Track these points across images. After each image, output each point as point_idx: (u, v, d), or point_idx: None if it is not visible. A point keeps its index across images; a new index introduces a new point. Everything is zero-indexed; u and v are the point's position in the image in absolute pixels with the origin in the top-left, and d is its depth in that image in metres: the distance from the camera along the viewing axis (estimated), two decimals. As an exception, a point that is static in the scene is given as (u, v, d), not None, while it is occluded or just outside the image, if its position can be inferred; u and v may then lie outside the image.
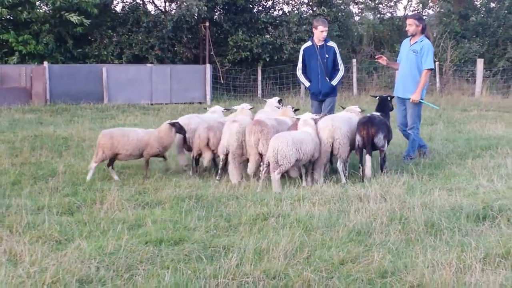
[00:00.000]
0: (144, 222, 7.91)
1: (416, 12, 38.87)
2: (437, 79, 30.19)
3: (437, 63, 30.55)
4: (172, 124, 11.16)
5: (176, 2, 30.26)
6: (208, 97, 26.86)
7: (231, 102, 25.13)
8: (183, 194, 9.37)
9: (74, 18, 26.18)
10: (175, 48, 29.92)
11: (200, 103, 26.22)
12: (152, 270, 6.30)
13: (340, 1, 34.01)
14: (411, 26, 13.00)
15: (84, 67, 26.55)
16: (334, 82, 13.06)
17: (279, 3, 33.35)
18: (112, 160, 10.98)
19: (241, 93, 28.73)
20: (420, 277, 6.05)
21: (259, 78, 29.35)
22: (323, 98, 13.16)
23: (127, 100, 24.96)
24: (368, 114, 11.32)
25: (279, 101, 12.89)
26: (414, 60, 12.87)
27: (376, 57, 13.82)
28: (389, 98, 12.18)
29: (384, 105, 12.03)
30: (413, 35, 13.08)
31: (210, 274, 6.10)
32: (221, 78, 29.10)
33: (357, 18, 39.60)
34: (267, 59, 29.55)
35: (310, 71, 13.19)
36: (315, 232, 7.47)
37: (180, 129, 11.19)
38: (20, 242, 6.91)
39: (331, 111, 12.89)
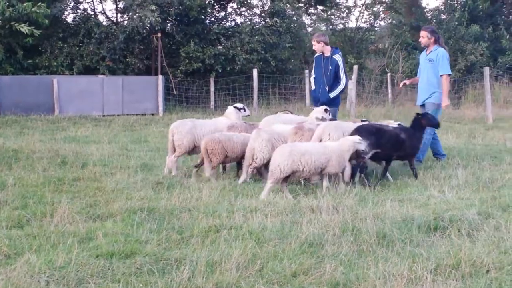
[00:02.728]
0: (95, 235, 7.80)
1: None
2: (389, 90, 30.43)
3: (389, 74, 30.83)
4: None
5: (128, 13, 30.15)
6: (161, 108, 26.76)
7: (183, 113, 25.12)
8: (135, 206, 9.26)
9: (24, 28, 25.81)
10: (127, 59, 29.76)
11: (153, 114, 26.14)
12: (103, 283, 6.23)
13: (293, 12, 34.13)
14: (423, 38, 13.92)
15: (34, 78, 26.29)
16: (332, 94, 13.96)
17: (231, 14, 33.40)
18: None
19: (194, 104, 28.70)
20: (372, 288, 6.08)
21: (212, 89, 29.32)
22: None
23: (79, 112, 24.71)
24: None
25: (325, 110, 13.09)
26: (430, 68, 13.76)
27: (400, 86, 14.79)
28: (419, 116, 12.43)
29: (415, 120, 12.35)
30: (426, 46, 13.95)
31: (162, 287, 6.05)
32: (174, 89, 29.01)
33: (309, 29, 39.79)
34: (220, 70, 29.54)
35: (315, 79, 14.26)
36: (267, 244, 7.43)
37: None
38: (-32, 257, 6.80)
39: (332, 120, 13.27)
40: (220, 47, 30.94)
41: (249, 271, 6.56)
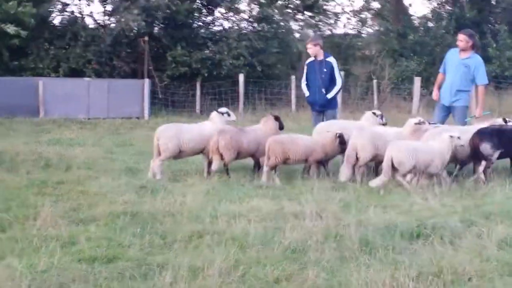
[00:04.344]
0: (78, 239, 7.78)
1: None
2: (375, 97, 30.44)
3: (375, 81, 30.87)
4: (338, 136, 12.18)
5: (115, 17, 30.02)
6: (146, 112, 26.63)
7: (169, 117, 25.02)
8: (118, 210, 9.24)
9: (10, 29, 25.68)
10: (113, 63, 29.60)
11: (138, 118, 26.02)
12: (84, 288, 6.23)
13: (281, 18, 34.08)
14: (461, 42, 13.98)
15: (20, 80, 26.09)
16: (329, 95, 14.29)
17: (219, 19, 33.32)
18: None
19: (180, 108, 28.55)
20: (353, 295, 6.08)
21: (198, 93, 29.22)
22: (320, 109, 14.42)
23: (64, 114, 24.48)
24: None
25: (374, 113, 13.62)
26: (464, 73, 13.86)
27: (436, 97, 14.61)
28: None
29: None
30: (463, 50, 13.94)
31: (144, 293, 6.05)
32: (160, 93, 28.91)
33: (297, 35, 39.74)
34: (206, 75, 29.42)
35: (310, 84, 14.49)
36: (250, 249, 7.44)
37: (343, 140, 12.20)
38: (-51, 260, 6.76)
39: None
40: (207, 51, 30.80)
41: (231, 276, 6.56)
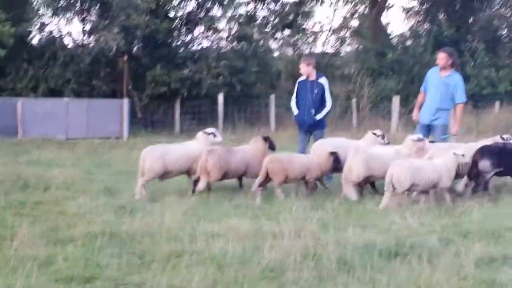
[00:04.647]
0: (55, 260, 7.75)
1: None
2: (354, 116, 30.53)
3: (354, 100, 30.97)
4: (332, 153, 12.36)
5: (94, 36, 29.96)
6: (126, 131, 26.57)
7: (148, 137, 24.97)
8: (96, 230, 9.18)
9: (-11, 49, 25.58)
10: (93, 82, 29.50)
11: (117, 137, 25.92)
12: (61, 309, 6.20)
13: (260, 37, 34.15)
14: (442, 60, 14.06)
15: (-2, 100, 26.04)
16: (318, 116, 14.32)
17: (198, 38, 33.31)
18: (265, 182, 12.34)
19: (159, 127, 28.51)
20: (331, 314, 6.08)
21: (177, 113, 29.20)
22: (308, 129, 14.44)
23: (43, 134, 24.35)
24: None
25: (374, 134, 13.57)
26: (444, 92, 13.97)
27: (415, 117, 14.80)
28: None
29: None
30: (443, 68, 14.01)
31: (120, 313, 6.02)
32: (139, 112, 28.86)
33: (276, 54, 39.79)
34: (185, 94, 29.39)
35: (300, 103, 14.48)
36: (228, 269, 7.42)
37: (337, 159, 12.42)
38: None
39: None
40: (187, 70, 30.75)
41: (209, 296, 6.55)
